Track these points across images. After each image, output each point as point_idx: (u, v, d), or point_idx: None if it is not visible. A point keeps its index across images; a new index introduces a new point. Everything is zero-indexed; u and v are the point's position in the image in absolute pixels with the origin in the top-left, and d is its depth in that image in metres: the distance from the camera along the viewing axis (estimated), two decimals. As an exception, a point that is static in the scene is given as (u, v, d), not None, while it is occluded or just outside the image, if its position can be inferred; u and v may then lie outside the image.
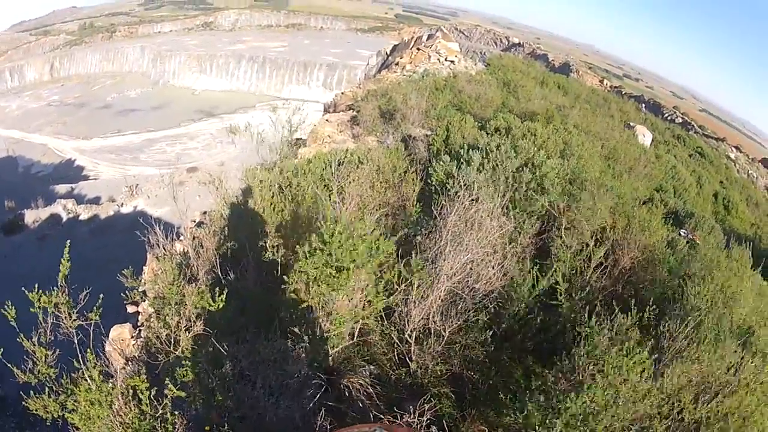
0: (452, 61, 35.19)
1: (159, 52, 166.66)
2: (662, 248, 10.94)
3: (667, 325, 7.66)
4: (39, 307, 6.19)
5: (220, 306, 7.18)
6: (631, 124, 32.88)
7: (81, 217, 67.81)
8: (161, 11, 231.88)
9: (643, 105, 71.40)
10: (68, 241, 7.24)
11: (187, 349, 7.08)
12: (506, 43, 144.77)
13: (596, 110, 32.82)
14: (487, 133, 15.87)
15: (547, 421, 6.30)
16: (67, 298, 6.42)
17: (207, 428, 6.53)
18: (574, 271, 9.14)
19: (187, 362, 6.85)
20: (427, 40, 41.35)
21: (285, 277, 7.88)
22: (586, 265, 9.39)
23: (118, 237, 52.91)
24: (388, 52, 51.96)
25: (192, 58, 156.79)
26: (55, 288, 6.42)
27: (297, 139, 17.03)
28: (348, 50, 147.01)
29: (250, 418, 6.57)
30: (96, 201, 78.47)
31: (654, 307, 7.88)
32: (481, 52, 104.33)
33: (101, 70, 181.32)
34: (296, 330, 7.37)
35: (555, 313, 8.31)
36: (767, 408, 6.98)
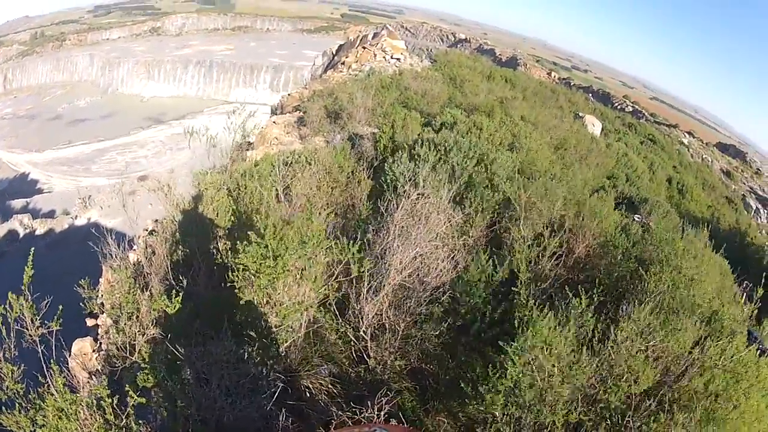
0: (398, 59, 35.28)
1: (108, 59, 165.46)
2: (616, 234, 11.06)
3: (625, 308, 7.75)
4: (2, 322, 6.19)
5: (176, 308, 7.21)
6: (580, 114, 33.16)
7: (37, 232, 67.63)
8: (109, 18, 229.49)
9: (591, 95, 72.11)
10: (32, 248, 7.27)
11: (144, 354, 7.10)
12: (453, 39, 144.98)
13: (545, 102, 33.02)
14: (434, 129, 15.97)
15: (507, 405, 6.46)
16: (31, 303, 6.43)
17: None
18: (529, 262, 9.23)
19: (146, 367, 6.93)
20: (372, 38, 41.32)
21: (228, 275, 7.93)
22: (541, 255, 9.47)
23: (74, 249, 52.88)
24: (334, 52, 51.78)
25: (140, 64, 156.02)
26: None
27: (246, 143, 17.03)
28: (294, 51, 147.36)
29: (209, 420, 6.62)
30: (51, 214, 78.33)
31: (612, 291, 8.03)
32: (427, 49, 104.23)
33: (52, 80, 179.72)
34: (246, 329, 7.47)
35: (511, 303, 8.37)
36: (739, 385, 7.08)
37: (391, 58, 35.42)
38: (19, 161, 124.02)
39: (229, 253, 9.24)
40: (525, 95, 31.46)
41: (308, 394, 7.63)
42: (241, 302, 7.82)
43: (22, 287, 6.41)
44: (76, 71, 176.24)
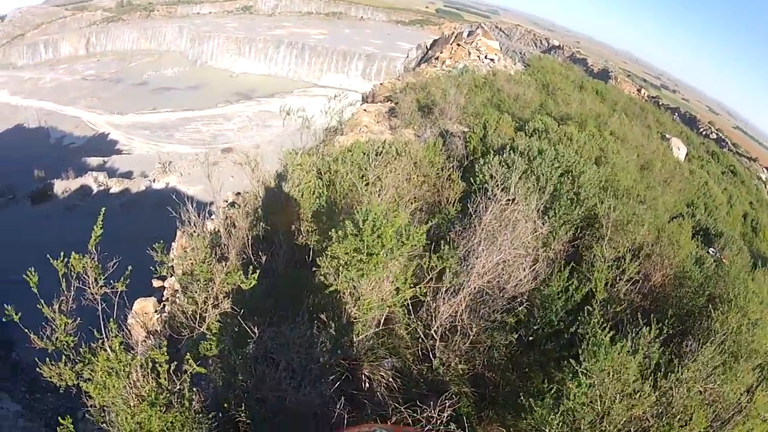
0: (492, 60, 35.05)
1: (198, 32, 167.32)
2: (690, 265, 10.79)
3: (689, 345, 7.57)
4: (63, 275, 6.16)
5: (251, 285, 7.12)
6: (667, 136, 32.53)
7: (112, 190, 68.17)
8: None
9: (678, 117, 70.86)
10: (103, 208, 7.26)
11: (213, 326, 7.04)
12: (546, 44, 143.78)
13: (633, 119, 32.48)
14: (526, 134, 15.80)
15: (562, 425, 6.33)
16: (96, 264, 6.40)
17: (225, 405, 6.57)
18: (606, 283, 9.05)
19: (212, 339, 6.86)
20: (467, 36, 41.04)
21: (317, 261, 7.87)
22: (618, 278, 9.29)
23: (148, 212, 53.03)
24: (428, 46, 51.56)
25: (231, 40, 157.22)
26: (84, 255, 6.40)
27: (336, 127, 17.02)
28: (388, 42, 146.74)
29: (269, 400, 6.58)
30: (128, 175, 79.13)
31: (678, 324, 7.83)
32: (520, 53, 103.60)
33: (138, 47, 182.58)
34: (323, 316, 7.40)
35: (583, 323, 8.22)
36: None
37: (485, 58, 35.19)
38: (99, 121, 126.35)
39: (313, 235, 9.22)
40: (614, 110, 31.02)
41: (367, 385, 7.56)
42: (323, 288, 7.76)
43: (89, 245, 6.41)
44: (164, 41, 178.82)
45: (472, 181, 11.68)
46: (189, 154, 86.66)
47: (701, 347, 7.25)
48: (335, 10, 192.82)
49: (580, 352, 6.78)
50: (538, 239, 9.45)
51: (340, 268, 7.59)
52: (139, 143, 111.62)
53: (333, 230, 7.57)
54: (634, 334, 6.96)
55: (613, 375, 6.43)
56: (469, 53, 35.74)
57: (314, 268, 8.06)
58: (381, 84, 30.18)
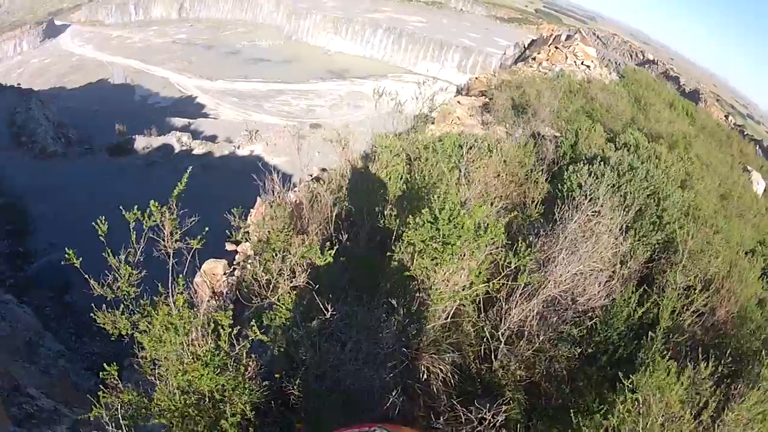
0: (588, 66, 34.70)
1: (295, 8, 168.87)
2: (752, 305, 10.56)
3: (738, 387, 7.44)
4: (134, 227, 6.23)
5: (326, 261, 7.08)
6: (749, 168, 31.84)
7: (194, 152, 69.22)
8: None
9: (761, 150, 69.34)
10: (190, 167, 7.33)
11: (282, 297, 6.97)
12: (641, 57, 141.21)
13: (719, 145, 31.92)
14: (616, 147, 15.63)
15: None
16: (174, 217, 6.46)
17: (277, 375, 6.66)
18: (672, 311, 8.93)
19: (280, 309, 6.82)
20: (565, 40, 40.66)
21: (395, 245, 7.95)
22: (686, 307, 9.16)
23: (229, 177, 53.49)
24: (526, 46, 51.30)
25: (328, 19, 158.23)
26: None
27: (428, 116, 17.03)
28: (485, 37, 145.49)
29: (328, 377, 6.63)
30: (212, 139, 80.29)
31: (732, 365, 7.70)
32: (615, 62, 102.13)
33: (233, 17, 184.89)
34: (394, 302, 7.36)
35: (644, 347, 8.11)
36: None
37: (581, 64, 34.85)
38: (188, 85, 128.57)
39: (395, 220, 9.24)
40: (702, 133, 30.50)
41: (425, 377, 7.50)
42: (397, 274, 7.82)
43: (170, 199, 6.45)
44: (260, 14, 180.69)
45: (559, 187, 11.62)
46: (277, 125, 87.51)
47: (748, 391, 7.13)
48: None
49: (634, 373, 6.75)
50: (617, 256, 9.34)
51: (415, 255, 7.67)
52: (226, 109, 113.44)
53: (411, 216, 7.61)
54: (691, 369, 6.88)
55: (658, 393, 6.41)
56: (566, 57, 35.44)
57: (390, 253, 8.11)
58: (476, 78, 30.08)
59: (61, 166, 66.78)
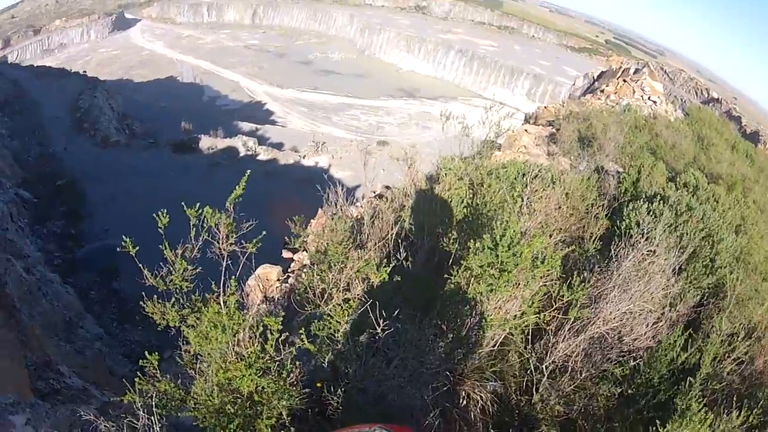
0: (654, 102, 34.45)
1: (368, 23, 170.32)
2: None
3: None
4: (194, 225, 6.35)
5: (382, 278, 7.19)
6: (803, 215, 31.28)
7: (259, 157, 70.00)
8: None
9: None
10: (248, 171, 7.42)
11: (334, 308, 7.05)
12: (706, 95, 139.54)
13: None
14: (676, 187, 15.52)
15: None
16: (230, 221, 6.57)
17: (318, 384, 6.66)
18: (713, 358, 8.85)
19: (330, 320, 6.91)
20: (633, 73, 40.45)
21: (452, 268, 7.99)
22: (727, 355, 9.07)
23: (291, 185, 53.92)
24: (595, 77, 51.10)
25: (401, 37, 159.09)
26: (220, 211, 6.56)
27: (494, 142, 17.07)
28: (555, 65, 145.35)
29: (371, 392, 6.65)
30: (278, 147, 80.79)
31: (762, 415, 7.63)
32: (681, 99, 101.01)
33: (306, 27, 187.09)
34: (443, 324, 7.45)
35: (682, 393, 8.04)
36: None
37: (648, 99, 34.64)
38: (258, 90, 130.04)
39: (454, 243, 9.28)
40: (761, 176, 30.08)
41: (464, 402, 7.50)
42: (451, 297, 7.89)
43: (228, 203, 6.56)
44: (334, 26, 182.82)
45: (618, 224, 11.58)
46: (344, 139, 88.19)
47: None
48: (508, 24, 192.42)
49: (670, 419, 6.72)
50: (667, 298, 9.27)
51: (472, 280, 7.68)
52: (294, 118, 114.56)
53: (471, 241, 7.67)
54: (724, 419, 6.86)
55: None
56: (634, 91, 35.25)
57: (446, 275, 8.15)
58: (545, 107, 30.14)
59: (122, 156, 68.04)
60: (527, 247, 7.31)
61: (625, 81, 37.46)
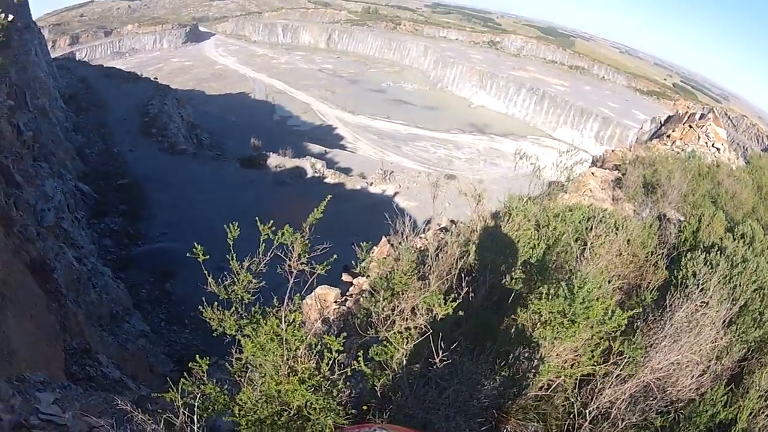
0: (718, 149, 34.10)
1: (442, 56, 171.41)
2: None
3: None
4: (264, 240, 6.49)
5: (446, 312, 7.20)
6: None
7: (326, 180, 71.01)
8: (448, 18, 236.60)
9: None
10: (329, 196, 7.62)
11: (395, 335, 7.10)
12: (767, 142, 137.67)
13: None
14: (734, 237, 15.39)
15: None
16: (306, 241, 6.69)
17: (364, 407, 6.79)
18: (750, 413, 8.79)
19: (389, 347, 7.00)
20: (699, 119, 40.03)
21: (516, 308, 8.18)
22: (762, 410, 8.99)
23: (356, 211, 54.43)
24: (662, 122, 50.73)
25: (474, 71, 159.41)
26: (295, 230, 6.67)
27: (560, 183, 17.09)
28: (624, 108, 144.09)
29: (419, 419, 6.67)
30: (346, 171, 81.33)
31: None
32: (743, 146, 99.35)
33: (380, 55, 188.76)
34: (499, 361, 7.52)
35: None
36: None
37: (712, 146, 34.34)
38: (329, 114, 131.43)
39: (518, 283, 9.35)
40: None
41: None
42: (511, 336, 7.99)
43: (306, 223, 6.71)
44: (407, 56, 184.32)
45: (675, 273, 11.52)
46: (412, 170, 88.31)
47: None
48: (578, 64, 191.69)
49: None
50: (714, 350, 9.23)
51: (538, 324, 7.77)
52: (364, 145, 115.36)
53: (545, 286, 7.71)
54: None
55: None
56: (698, 137, 34.91)
57: (507, 314, 8.25)
58: (612, 151, 30.02)
59: (188, 164, 69.43)
60: (600, 303, 7.38)
61: (690, 126, 37.14)
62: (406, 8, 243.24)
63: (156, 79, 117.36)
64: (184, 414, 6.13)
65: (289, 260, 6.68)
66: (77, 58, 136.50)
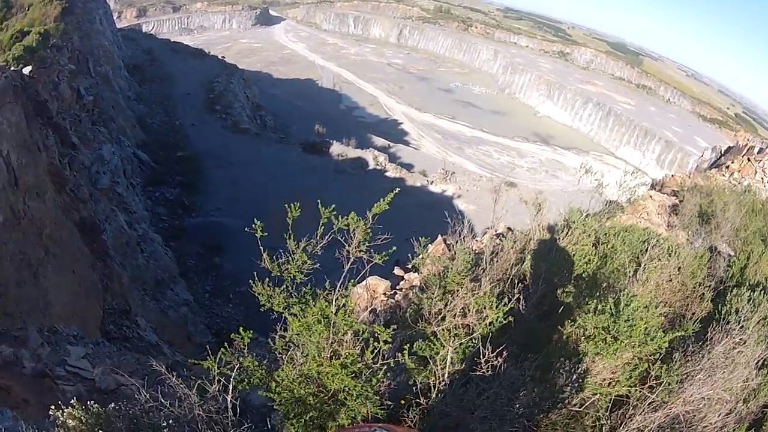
0: (774, 185, 33.71)
1: (512, 62, 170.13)
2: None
3: None
4: (324, 223, 6.58)
5: (497, 317, 7.19)
6: None
7: (386, 174, 71.24)
8: (519, 24, 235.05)
9: None
10: (397, 189, 7.71)
11: (443, 332, 7.17)
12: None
13: None
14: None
15: None
16: (368, 230, 6.77)
17: (402, 401, 6.82)
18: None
19: (434, 343, 7.05)
20: (758, 153, 39.53)
21: (564, 321, 8.22)
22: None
23: (413, 208, 55.08)
24: (722, 152, 50.25)
25: (542, 80, 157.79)
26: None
27: (618, 203, 17.11)
28: (687, 133, 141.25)
29: (454, 417, 6.75)
30: (407, 167, 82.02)
31: None
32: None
33: (450, 55, 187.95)
34: (540, 372, 7.57)
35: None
36: None
37: (768, 183, 33.89)
38: (396, 109, 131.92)
39: (569, 296, 9.43)
40: None
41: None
42: (555, 348, 8.11)
43: (369, 212, 6.79)
44: (477, 58, 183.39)
45: (719, 308, 11.49)
46: (473, 173, 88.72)
47: None
48: (645, 83, 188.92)
49: None
50: (744, 391, 9.22)
51: (582, 339, 7.87)
52: (427, 143, 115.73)
53: (593, 301, 7.85)
54: None
55: None
56: (756, 172, 34.44)
57: (554, 325, 8.41)
58: (672, 176, 29.77)
59: (250, 144, 70.31)
60: (643, 322, 7.44)
61: (749, 160, 36.64)
62: (478, 10, 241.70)
63: (224, 57, 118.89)
64: (219, 383, 6.33)
65: (348, 246, 6.78)
66: (143, 31, 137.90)
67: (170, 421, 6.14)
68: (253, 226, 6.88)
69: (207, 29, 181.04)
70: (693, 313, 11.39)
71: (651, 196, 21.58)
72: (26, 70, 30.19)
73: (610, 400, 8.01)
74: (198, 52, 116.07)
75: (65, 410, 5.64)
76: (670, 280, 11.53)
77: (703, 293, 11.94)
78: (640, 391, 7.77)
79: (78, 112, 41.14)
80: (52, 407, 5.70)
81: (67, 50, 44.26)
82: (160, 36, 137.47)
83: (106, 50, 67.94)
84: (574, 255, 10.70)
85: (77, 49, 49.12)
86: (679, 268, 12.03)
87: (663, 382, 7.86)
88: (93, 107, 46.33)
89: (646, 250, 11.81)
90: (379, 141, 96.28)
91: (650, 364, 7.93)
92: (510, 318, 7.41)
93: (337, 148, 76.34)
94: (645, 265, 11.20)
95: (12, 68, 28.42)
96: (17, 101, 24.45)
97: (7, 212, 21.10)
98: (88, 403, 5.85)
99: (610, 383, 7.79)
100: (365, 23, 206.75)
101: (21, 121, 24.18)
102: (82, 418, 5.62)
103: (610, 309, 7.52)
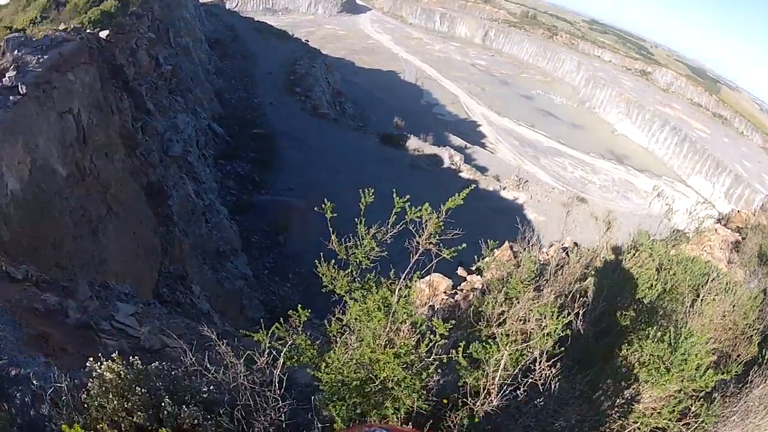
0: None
1: (594, 75, 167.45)
2: None
3: None
4: (396, 212, 6.71)
5: (556, 328, 7.17)
6: None
7: (460, 174, 71.34)
8: (605, 38, 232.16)
9: None
10: (472, 185, 7.80)
11: (503, 337, 7.08)
12: None
13: None
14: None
15: None
16: (441, 223, 6.81)
17: (444, 400, 6.86)
18: None
19: (490, 346, 7.01)
20: (819, 198, 39.10)
21: (623, 344, 8.27)
22: None
23: (483, 211, 55.12)
24: (788, 193, 49.62)
25: (623, 98, 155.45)
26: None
27: (683, 232, 17.06)
28: (756, 170, 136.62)
29: (495, 422, 6.80)
30: (482, 170, 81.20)
31: None
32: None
33: (533, 62, 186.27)
34: (590, 389, 7.67)
35: None
36: None
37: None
38: (476, 110, 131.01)
39: (627, 318, 9.49)
40: None
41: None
42: (614, 370, 8.13)
43: (445, 206, 6.83)
44: (560, 68, 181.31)
45: (763, 351, 11.43)
46: (546, 184, 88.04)
47: None
48: (722, 113, 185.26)
49: None
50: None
51: (636, 364, 7.89)
52: (503, 148, 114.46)
53: (653, 328, 7.89)
54: None
55: None
56: (817, 214, 34.05)
57: (609, 345, 8.51)
58: (738, 212, 29.44)
59: (328, 129, 70.84)
60: (697, 358, 7.43)
61: (811, 201, 36.15)
62: (564, 19, 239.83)
63: (307, 41, 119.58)
64: (270, 356, 6.53)
65: (419, 237, 6.85)
66: (227, 7, 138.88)
67: (211, 387, 6.40)
68: (323, 206, 7.08)
69: (291, 12, 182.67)
70: (738, 355, 11.35)
71: (716, 230, 21.41)
72: (103, 33, 30.44)
73: (648, 430, 7.95)
74: (282, 33, 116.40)
75: (104, 363, 5.85)
76: (724, 317, 11.48)
77: (752, 336, 11.88)
78: (677, 426, 7.73)
79: (155, 80, 41.70)
80: (91, 359, 5.96)
81: (147, 19, 44.87)
82: (243, 14, 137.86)
83: (188, 22, 68.89)
84: (637, 278, 10.76)
85: (158, 19, 49.79)
86: (734, 306, 11.98)
87: (701, 420, 7.84)
88: (171, 77, 46.87)
89: (706, 282, 11.77)
90: (457, 140, 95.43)
91: (694, 400, 7.91)
92: (568, 331, 7.56)
93: (413, 143, 76.37)
94: (703, 297, 11.20)
95: (88, 30, 28.91)
96: (92, 62, 24.94)
97: (72, 168, 21.70)
98: (130, 358, 6.09)
99: (652, 414, 7.75)
100: (451, 21, 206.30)
101: (95, 82, 24.77)
102: (121, 372, 5.83)
103: (669, 339, 7.55)
